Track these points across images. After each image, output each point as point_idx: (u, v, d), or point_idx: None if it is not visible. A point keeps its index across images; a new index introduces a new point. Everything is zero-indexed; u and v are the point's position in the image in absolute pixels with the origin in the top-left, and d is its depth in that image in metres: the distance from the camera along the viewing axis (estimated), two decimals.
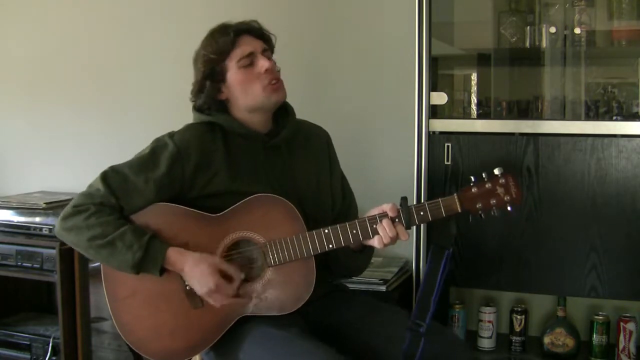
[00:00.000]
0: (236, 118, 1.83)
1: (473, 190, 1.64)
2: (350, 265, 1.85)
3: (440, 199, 1.65)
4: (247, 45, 1.80)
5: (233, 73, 1.79)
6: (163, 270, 1.70)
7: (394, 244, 1.68)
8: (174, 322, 1.74)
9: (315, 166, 1.90)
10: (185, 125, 1.85)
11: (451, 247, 1.67)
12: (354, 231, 1.68)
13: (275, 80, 1.80)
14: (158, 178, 1.73)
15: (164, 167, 1.74)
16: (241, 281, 1.71)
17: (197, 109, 1.86)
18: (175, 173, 1.74)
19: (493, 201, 1.64)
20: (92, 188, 1.74)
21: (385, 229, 1.66)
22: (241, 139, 1.82)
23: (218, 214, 1.74)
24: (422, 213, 1.65)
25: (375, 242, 1.68)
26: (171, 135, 1.79)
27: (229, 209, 1.74)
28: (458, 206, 1.64)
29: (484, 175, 1.65)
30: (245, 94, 1.80)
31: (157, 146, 1.77)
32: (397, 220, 1.66)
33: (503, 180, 1.64)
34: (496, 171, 1.65)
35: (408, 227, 1.67)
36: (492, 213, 1.65)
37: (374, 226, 1.67)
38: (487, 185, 1.64)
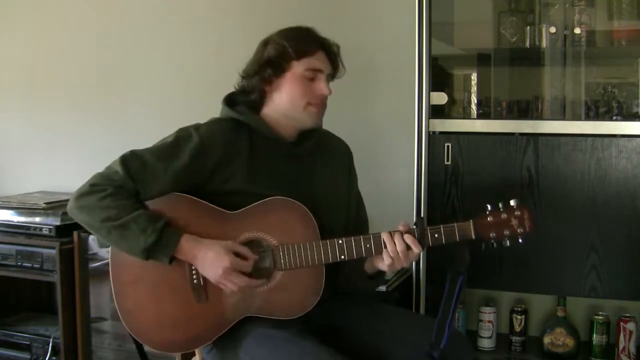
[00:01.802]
0: (266, 119, 1.81)
1: (489, 219, 1.65)
2: (360, 287, 1.86)
3: (455, 224, 1.65)
4: (321, 61, 1.79)
5: (293, 76, 1.77)
6: (172, 260, 1.69)
7: (407, 264, 1.67)
8: (176, 313, 1.74)
9: (334, 178, 1.90)
10: (211, 118, 1.84)
11: (465, 273, 1.67)
12: (367, 245, 1.67)
13: (321, 105, 1.81)
14: (178, 169, 1.72)
15: (185, 158, 1.72)
16: (255, 260, 1.71)
17: (228, 102, 1.83)
18: (196, 166, 1.73)
19: (507, 232, 1.64)
20: (111, 170, 1.72)
21: (393, 243, 1.65)
22: (266, 141, 1.80)
23: (234, 212, 1.74)
24: (436, 235, 1.65)
25: (384, 260, 1.67)
26: (197, 127, 1.78)
27: (245, 207, 1.73)
28: (472, 233, 1.64)
29: (500, 205, 1.65)
30: (289, 100, 1.78)
31: (182, 136, 1.76)
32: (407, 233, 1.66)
33: (518, 213, 1.64)
34: (512, 202, 1.65)
35: (422, 247, 1.66)
36: (504, 243, 1.66)
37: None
38: (502, 216, 1.64)
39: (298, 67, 1.77)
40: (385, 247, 1.66)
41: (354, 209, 1.94)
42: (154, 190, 1.72)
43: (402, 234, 1.66)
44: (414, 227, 1.67)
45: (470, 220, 1.65)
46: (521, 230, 1.64)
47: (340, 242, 1.68)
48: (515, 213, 1.64)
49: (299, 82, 1.78)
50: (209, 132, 1.77)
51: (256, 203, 1.73)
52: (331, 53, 1.82)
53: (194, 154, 1.73)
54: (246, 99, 1.83)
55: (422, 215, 1.69)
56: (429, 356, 1.64)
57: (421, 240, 1.65)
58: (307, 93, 1.78)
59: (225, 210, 1.74)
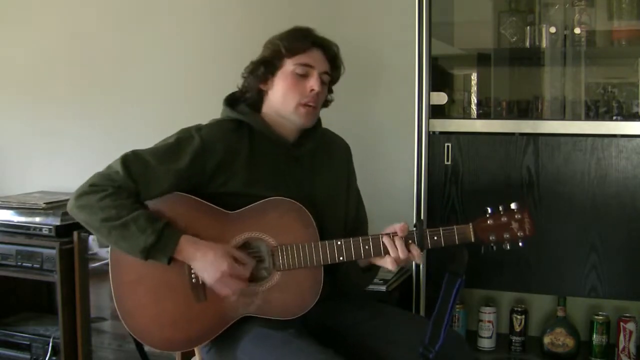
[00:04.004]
0: (266, 119, 1.82)
1: (489, 222, 1.64)
2: (358, 283, 1.87)
3: (455, 227, 1.65)
4: (314, 58, 1.79)
5: (284, 72, 1.78)
6: (171, 260, 1.69)
7: (406, 265, 1.68)
8: (176, 313, 1.74)
9: (334, 178, 1.90)
10: (212, 119, 1.84)
11: (464, 275, 1.66)
12: (367, 247, 1.68)
13: (312, 104, 1.79)
14: (179, 170, 1.71)
15: (186, 160, 1.72)
16: (253, 267, 1.71)
17: (229, 102, 1.84)
18: (196, 168, 1.73)
19: (506, 235, 1.64)
20: (111, 170, 1.72)
21: (396, 249, 1.66)
22: (266, 142, 1.80)
23: (233, 212, 1.74)
24: (435, 238, 1.65)
25: (387, 263, 1.68)
26: (198, 128, 1.78)
27: (244, 207, 1.73)
28: (472, 236, 1.64)
29: (500, 208, 1.65)
30: (281, 96, 1.79)
31: (183, 137, 1.75)
32: (410, 241, 1.66)
33: (519, 216, 1.64)
34: (513, 206, 1.64)
35: (420, 250, 1.67)
36: (504, 246, 1.65)
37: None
38: (502, 219, 1.64)
39: (289, 64, 1.78)
40: (388, 251, 1.66)
41: (352, 209, 1.94)
42: (154, 191, 1.72)
43: (402, 238, 1.66)
44: (413, 229, 1.67)
45: (470, 224, 1.65)
46: (521, 234, 1.64)
47: (339, 243, 1.68)
48: (516, 216, 1.64)
49: (290, 79, 1.78)
50: (210, 133, 1.77)
51: (256, 203, 1.73)
52: (328, 51, 1.82)
53: (194, 156, 1.72)
54: (245, 98, 1.84)
55: (421, 218, 1.68)
56: (423, 357, 1.64)
57: (420, 244, 1.66)
58: (298, 90, 1.77)
59: (226, 210, 1.74)
